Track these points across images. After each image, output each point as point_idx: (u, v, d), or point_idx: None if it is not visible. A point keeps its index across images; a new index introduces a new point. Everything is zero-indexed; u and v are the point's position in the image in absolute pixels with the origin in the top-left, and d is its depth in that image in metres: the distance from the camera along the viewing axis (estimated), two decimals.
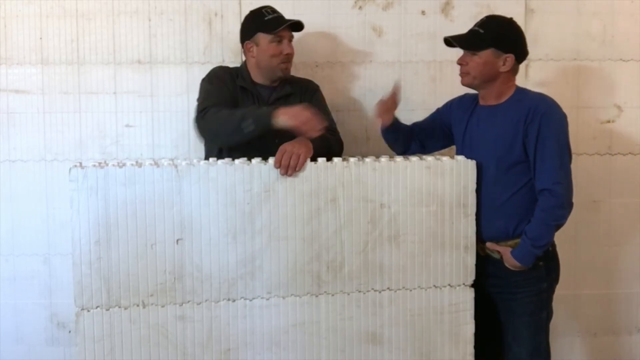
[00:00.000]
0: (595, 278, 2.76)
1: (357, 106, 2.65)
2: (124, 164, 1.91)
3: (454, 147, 2.29)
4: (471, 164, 2.03)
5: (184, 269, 1.93)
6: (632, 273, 2.78)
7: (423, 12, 2.63)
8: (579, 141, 2.62)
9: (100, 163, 1.92)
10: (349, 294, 2.01)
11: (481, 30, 2.06)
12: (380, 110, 2.24)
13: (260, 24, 2.20)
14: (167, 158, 2.07)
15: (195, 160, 1.95)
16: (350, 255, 1.99)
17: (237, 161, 1.94)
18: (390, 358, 2.04)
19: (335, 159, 1.99)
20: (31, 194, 2.57)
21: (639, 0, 2.69)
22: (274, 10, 2.23)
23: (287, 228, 1.96)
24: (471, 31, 2.09)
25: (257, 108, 2.02)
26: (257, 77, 2.26)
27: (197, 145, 2.45)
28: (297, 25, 2.26)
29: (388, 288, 2.02)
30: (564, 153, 2.02)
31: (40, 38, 2.54)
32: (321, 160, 1.97)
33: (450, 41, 2.11)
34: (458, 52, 2.13)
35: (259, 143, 2.00)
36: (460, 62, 2.09)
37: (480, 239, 2.09)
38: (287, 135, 2.00)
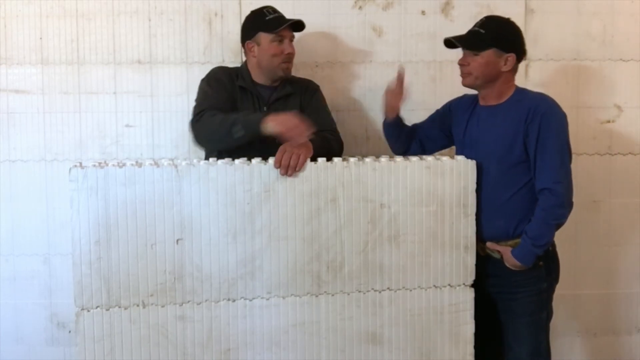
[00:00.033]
0: (595, 278, 2.76)
1: (357, 106, 2.66)
2: (124, 164, 1.91)
3: (454, 147, 2.29)
4: (471, 164, 2.03)
5: (184, 269, 1.93)
6: (632, 273, 2.78)
7: (423, 12, 2.63)
8: (579, 141, 2.62)
9: (100, 163, 1.92)
10: (349, 294, 2.01)
11: (482, 31, 2.06)
12: (390, 98, 2.24)
13: (262, 24, 2.20)
14: (167, 158, 2.07)
15: (195, 160, 1.95)
16: (350, 255, 1.99)
17: (237, 161, 1.94)
18: (390, 358, 2.04)
19: (335, 159, 1.99)
20: (31, 194, 2.57)
21: (639, 0, 2.69)
22: (275, 10, 2.24)
23: (287, 228, 1.96)
24: (472, 31, 2.09)
25: (248, 114, 2.02)
26: (257, 77, 2.26)
27: None
28: (298, 25, 2.26)
29: (388, 288, 2.02)
30: (564, 152, 2.02)
31: (40, 38, 2.55)
32: (321, 160, 1.97)
33: (450, 43, 2.12)
34: (458, 52, 2.13)
35: (259, 143, 2.01)
36: (462, 62, 2.09)
37: (481, 239, 2.09)
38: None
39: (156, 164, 1.92)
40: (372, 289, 2.02)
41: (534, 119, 2.00)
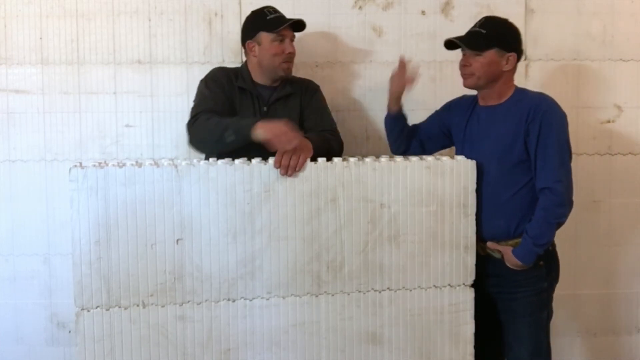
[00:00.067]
0: (595, 278, 2.76)
1: (357, 106, 2.66)
2: (124, 164, 1.91)
3: (454, 147, 2.29)
4: (471, 164, 2.03)
5: (184, 269, 1.93)
6: (632, 273, 2.78)
7: (423, 12, 2.63)
8: (579, 141, 2.62)
9: (100, 163, 1.92)
10: (349, 294, 2.01)
11: (483, 31, 2.06)
12: (393, 85, 2.24)
13: (263, 23, 2.20)
14: (167, 158, 2.07)
15: (195, 160, 1.95)
16: (350, 255, 1.99)
17: (237, 161, 1.94)
18: (390, 358, 2.04)
19: (335, 159, 1.99)
20: (31, 194, 2.57)
21: (639, 0, 2.69)
22: (275, 10, 2.24)
23: (287, 228, 1.96)
24: (473, 32, 2.09)
25: (240, 119, 2.02)
26: (258, 77, 2.26)
27: None
28: (299, 25, 2.26)
29: (388, 288, 2.02)
30: (565, 152, 2.03)
31: (40, 38, 2.55)
32: (321, 160, 1.97)
33: (449, 44, 2.12)
34: (458, 52, 2.13)
35: (259, 143, 2.01)
36: (465, 63, 2.08)
37: (481, 239, 2.09)
38: None
39: (156, 164, 1.92)
40: (372, 289, 2.02)
41: (534, 118, 2.01)
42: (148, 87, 2.58)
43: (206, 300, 1.95)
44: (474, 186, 2.03)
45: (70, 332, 2.60)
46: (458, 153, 2.17)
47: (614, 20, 2.68)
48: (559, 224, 2.03)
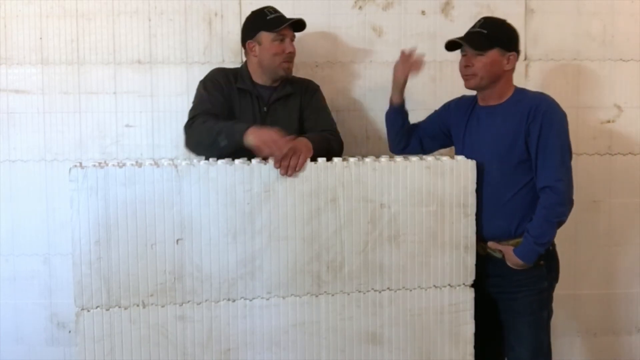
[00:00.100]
0: (595, 278, 2.76)
1: (357, 106, 2.65)
2: (124, 164, 1.90)
3: (453, 147, 2.29)
4: (471, 164, 2.03)
5: (184, 269, 1.93)
6: (632, 273, 2.78)
7: (423, 12, 2.63)
8: (579, 141, 2.62)
9: (100, 163, 1.92)
10: (349, 294, 2.01)
11: (485, 31, 2.06)
12: (397, 71, 2.24)
13: (263, 23, 2.20)
14: (167, 158, 2.06)
15: (195, 160, 1.95)
16: (350, 255, 1.99)
17: (237, 161, 1.94)
18: (390, 358, 2.04)
19: (335, 159, 1.99)
20: (31, 194, 2.57)
21: (639, 0, 2.69)
22: (275, 10, 2.24)
23: (287, 228, 1.96)
24: (474, 32, 2.08)
25: (234, 123, 2.02)
26: (258, 77, 2.25)
27: None
28: (299, 25, 2.26)
29: (388, 288, 2.02)
30: (565, 151, 2.04)
31: (40, 38, 2.55)
32: (321, 160, 1.97)
33: (450, 46, 2.12)
34: (458, 53, 2.13)
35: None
36: (467, 64, 2.08)
37: (481, 239, 2.09)
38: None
39: (156, 164, 1.92)
40: (372, 289, 2.02)
41: (535, 118, 2.01)
42: (148, 87, 2.58)
43: (206, 300, 1.95)
44: (474, 186, 2.03)
45: (70, 332, 2.60)
46: (458, 153, 2.17)
47: (614, 20, 2.68)
48: (560, 223, 2.04)
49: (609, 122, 2.71)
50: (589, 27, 2.68)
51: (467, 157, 2.06)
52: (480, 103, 2.17)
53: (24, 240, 2.59)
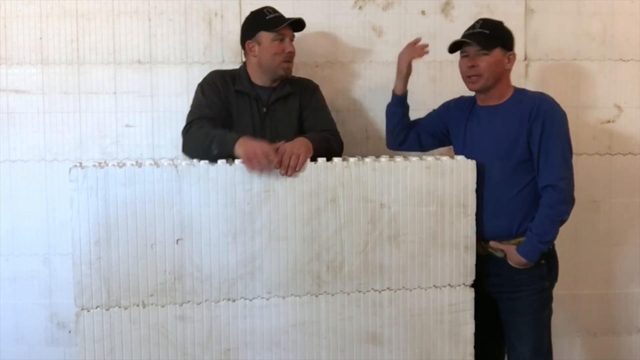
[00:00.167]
0: (595, 278, 2.76)
1: (357, 106, 2.65)
2: (124, 164, 1.91)
3: (452, 146, 2.30)
4: (471, 164, 2.03)
5: (184, 269, 1.93)
6: (632, 273, 2.77)
7: (423, 12, 2.63)
8: (579, 141, 2.62)
9: (100, 163, 1.92)
10: (349, 294, 2.01)
11: (486, 31, 2.07)
12: (404, 53, 2.25)
13: (262, 23, 2.20)
14: (167, 158, 2.07)
15: (195, 161, 1.95)
16: (350, 255, 1.99)
17: (237, 161, 1.94)
18: (390, 358, 2.04)
19: (335, 159, 1.99)
20: (31, 194, 2.57)
21: (639, 0, 2.69)
22: (275, 10, 2.24)
23: (287, 228, 1.96)
24: (476, 33, 2.07)
25: (227, 133, 2.02)
26: (257, 78, 2.25)
27: None
28: (299, 25, 2.26)
29: (388, 288, 2.02)
30: (566, 150, 2.05)
31: (40, 38, 2.54)
32: (321, 160, 1.97)
33: (452, 48, 2.11)
34: (458, 53, 2.13)
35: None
36: (472, 64, 2.08)
37: (482, 238, 2.09)
38: (288, 137, 2.01)
39: (156, 164, 1.92)
40: (372, 289, 2.02)
41: (537, 117, 2.02)
42: (148, 87, 2.58)
43: (206, 300, 1.95)
44: (474, 186, 2.04)
45: (70, 332, 2.59)
46: (458, 153, 2.17)
47: (614, 20, 2.68)
48: (562, 221, 2.05)
49: (609, 122, 2.71)
50: (589, 27, 2.68)
51: (468, 156, 2.06)
52: (480, 103, 2.17)
53: (24, 240, 2.59)
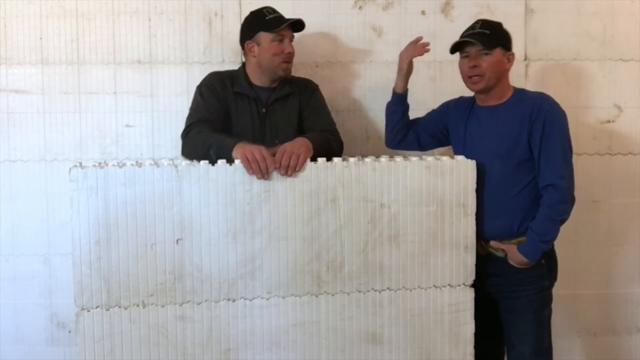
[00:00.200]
0: (595, 278, 2.76)
1: (357, 106, 2.65)
2: (124, 164, 1.91)
3: (451, 147, 2.30)
4: (471, 164, 2.03)
5: (184, 269, 1.93)
6: (632, 273, 2.77)
7: (423, 12, 2.63)
8: (579, 141, 2.62)
9: (100, 163, 1.92)
10: (349, 294, 2.01)
11: (487, 31, 2.07)
12: (405, 52, 2.24)
13: (262, 23, 2.20)
14: (167, 158, 2.07)
15: (195, 160, 1.95)
16: (350, 255, 1.99)
17: (237, 161, 1.94)
18: (390, 358, 2.04)
19: (335, 159, 1.99)
20: (31, 194, 2.57)
21: (639, 0, 2.69)
22: (274, 11, 2.24)
23: (287, 228, 1.96)
24: (477, 33, 2.07)
25: (224, 138, 2.02)
26: (256, 78, 2.25)
27: None
28: (298, 26, 2.26)
29: (388, 288, 2.02)
30: (567, 149, 2.06)
31: (40, 38, 2.54)
32: (321, 160, 1.97)
33: (454, 48, 2.11)
34: (458, 53, 2.13)
35: (258, 143, 2.01)
36: (475, 64, 2.07)
37: (483, 238, 2.10)
38: (288, 137, 2.01)
39: (156, 164, 1.92)
40: (372, 289, 2.02)
41: (538, 117, 2.03)
42: (148, 87, 2.58)
43: (206, 300, 1.95)
44: (474, 186, 2.04)
45: (70, 332, 2.60)
46: (458, 153, 2.17)
47: (614, 20, 2.68)
48: (563, 221, 2.05)
49: (609, 122, 2.71)
50: (589, 27, 2.68)
51: (468, 157, 2.06)
52: (480, 103, 2.17)
53: (24, 240, 2.59)
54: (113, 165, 1.90)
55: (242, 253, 1.94)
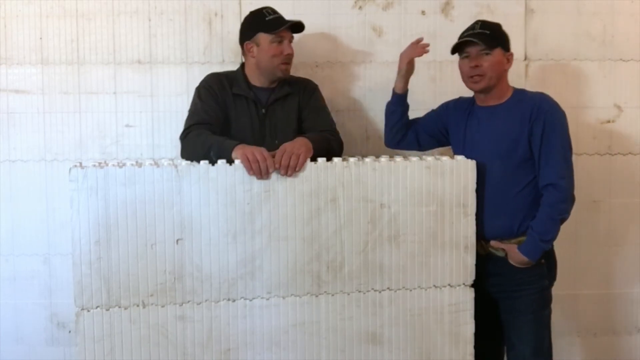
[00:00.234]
0: (594, 278, 2.76)
1: (357, 106, 2.65)
2: (124, 164, 1.91)
3: (451, 147, 2.30)
4: (471, 164, 2.04)
5: (184, 269, 1.93)
6: (632, 273, 2.77)
7: (423, 12, 2.63)
8: (579, 141, 2.62)
9: (100, 163, 1.92)
10: (349, 294, 2.01)
11: (487, 32, 2.07)
12: (405, 53, 2.24)
13: (262, 24, 2.20)
14: (167, 158, 2.07)
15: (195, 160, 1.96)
16: (350, 255, 1.99)
17: (237, 161, 1.94)
18: (390, 358, 2.04)
19: (335, 159, 1.99)
20: (31, 194, 2.57)
21: (639, 0, 2.69)
22: (274, 11, 2.23)
23: (287, 228, 1.96)
24: (477, 33, 2.07)
25: (224, 140, 2.02)
26: (255, 79, 2.25)
27: None
28: (298, 27, 2.26)
29: (388, 288, 2.02)
30: (567, 149, 2.07)
31: (40, 38, 2.54)
32: (321, 160, 1.97)
33: (455, 48, 2.12)
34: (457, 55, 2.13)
35: (258, 143, 2.01)
36: (476, 64, 2.08)
37: (483, 238, 2.10)
38: (287, 137, 2.01)
39: (156, 164, 1.92)
40: (372, 289, 2.02)
41: (538, 117, 2.04)
42: (148, 87, 2.58)
43: (206, 300, 1.95)
44: (474, 186, 2.04)
45: (70, 332, 2.59)
46: (458, 153, 2.17)
47: (614, 20, 2.68)
48: (563, 220, 2.06)
49: (609, 122, 2.71)
50: (589, 27, 2.68)
51: (468, 157, 2.06)
52: (480, 103, 2.17)
53: (24, 240, 2.59)
54: (113, 165, 1.90)
55: (242, 253, 1.94)
